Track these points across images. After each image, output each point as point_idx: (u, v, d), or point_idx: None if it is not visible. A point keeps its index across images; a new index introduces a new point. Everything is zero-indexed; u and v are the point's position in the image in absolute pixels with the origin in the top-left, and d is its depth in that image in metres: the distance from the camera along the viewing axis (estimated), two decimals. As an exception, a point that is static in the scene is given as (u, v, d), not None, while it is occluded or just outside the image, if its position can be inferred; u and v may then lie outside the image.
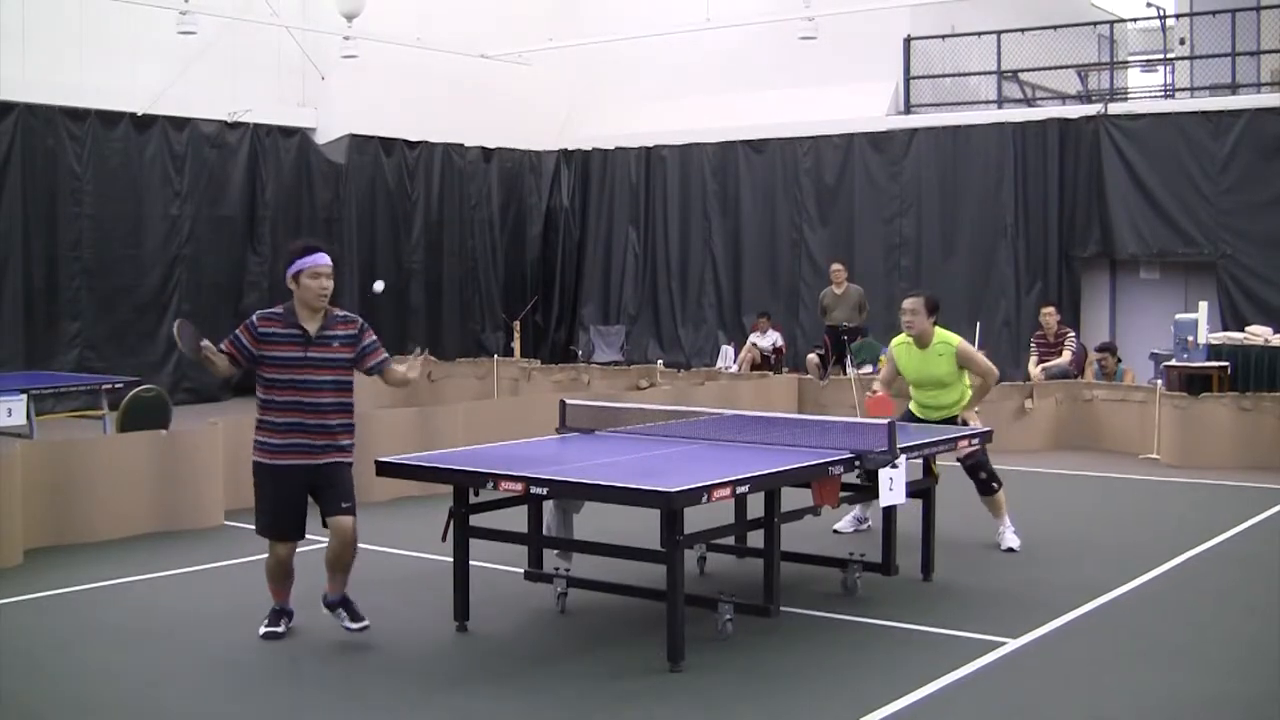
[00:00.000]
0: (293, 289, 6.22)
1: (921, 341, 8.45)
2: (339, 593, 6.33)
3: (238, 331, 6.27)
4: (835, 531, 8.84)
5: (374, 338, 6.37)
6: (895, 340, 8.71)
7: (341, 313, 6.34)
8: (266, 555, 6.36)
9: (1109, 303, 18.28)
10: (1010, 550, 8.42)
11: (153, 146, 17.19)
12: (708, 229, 20.68)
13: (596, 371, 16.57)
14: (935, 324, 8.48)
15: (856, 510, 8.99)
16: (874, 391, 8.62)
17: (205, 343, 6.15)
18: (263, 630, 6.32)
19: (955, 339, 8.52)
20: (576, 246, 21.98)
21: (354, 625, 6.28)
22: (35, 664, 6.09)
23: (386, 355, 6.40)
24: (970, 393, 8.51)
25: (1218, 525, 9.30)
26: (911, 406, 8.71)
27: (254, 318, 6.27)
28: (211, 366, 6.25)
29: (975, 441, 7.93)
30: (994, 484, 8.43)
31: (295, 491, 6.18)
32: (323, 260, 6.20)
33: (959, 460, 8.36)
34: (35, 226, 16.05)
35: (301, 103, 19.23)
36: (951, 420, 8.42)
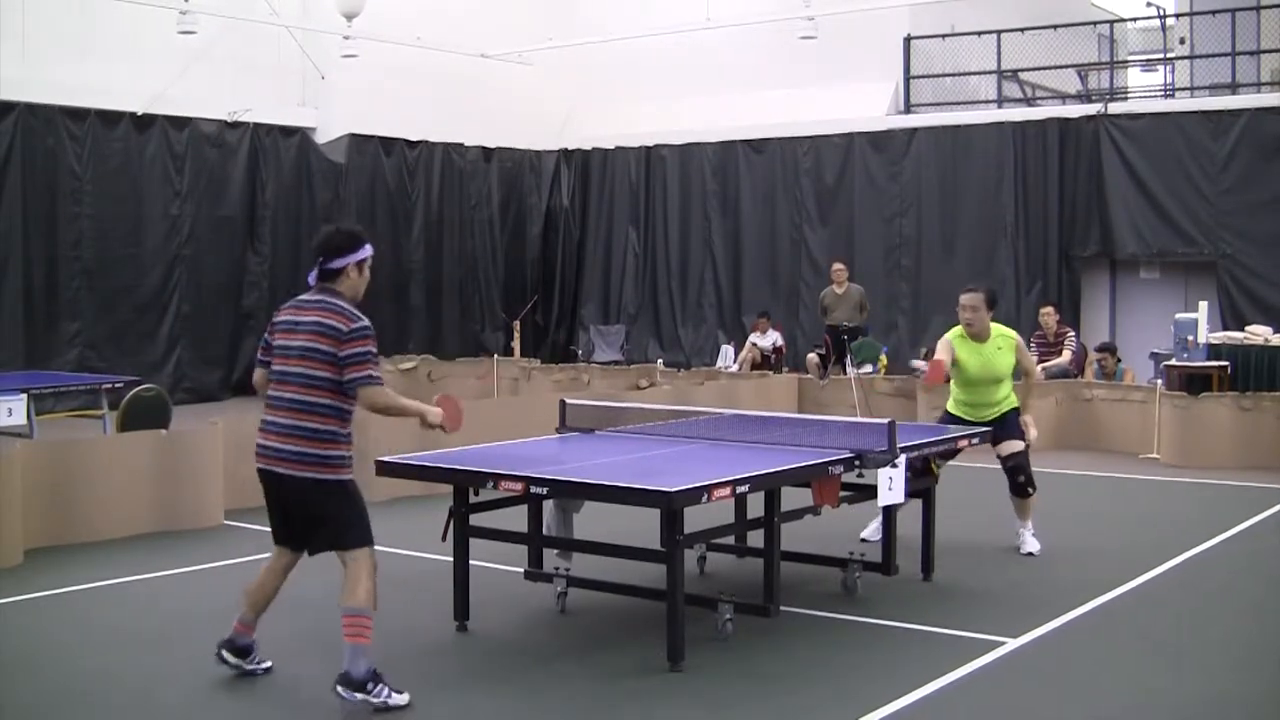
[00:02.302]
0: (353, 277, 5.64)
1: (980, 336, 8.23)
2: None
3: (374, 349, 5.55)
4: (864, 540, 8.41)
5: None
6: (952, 332, 8.37)
7: None
8: (374, 566, 5.57)
9: (1109, 302, 18.28)
10: (1029, 554, 8.29)
11: (153, 146, 17.19)
12: (708, 229, 20.68)
13: (596, 371, 16.59)
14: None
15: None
16: (928, 362, 8.18)
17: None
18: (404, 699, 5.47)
19: (1013, 331, 8.39)
20: (576, 246, 21.98)
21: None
22: (35, 664, 6.09)
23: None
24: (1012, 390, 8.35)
25: (1218, 525, 9.30)
26: (952, 407, 8.43)
27: (365, 321, 5.57)
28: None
29: (975, 440, 7.92)
30: (1030, 488, 8.28)
31: None
32: None
33: (999, 457, 8.28)
34: (35, 226, 16.05)
35: (301, 102, 19.23)
36: (999, 420, 8.20)
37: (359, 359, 5.46)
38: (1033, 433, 8.36)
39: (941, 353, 8.25)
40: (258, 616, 5.85)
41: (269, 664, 5.91)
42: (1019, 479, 8.29)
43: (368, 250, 5.71)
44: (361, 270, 5.68)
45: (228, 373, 17.93)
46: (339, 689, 5.35)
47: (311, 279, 5.67)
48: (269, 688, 5.75)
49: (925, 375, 8.39)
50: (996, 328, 8.34)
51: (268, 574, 5.81)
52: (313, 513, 5.56)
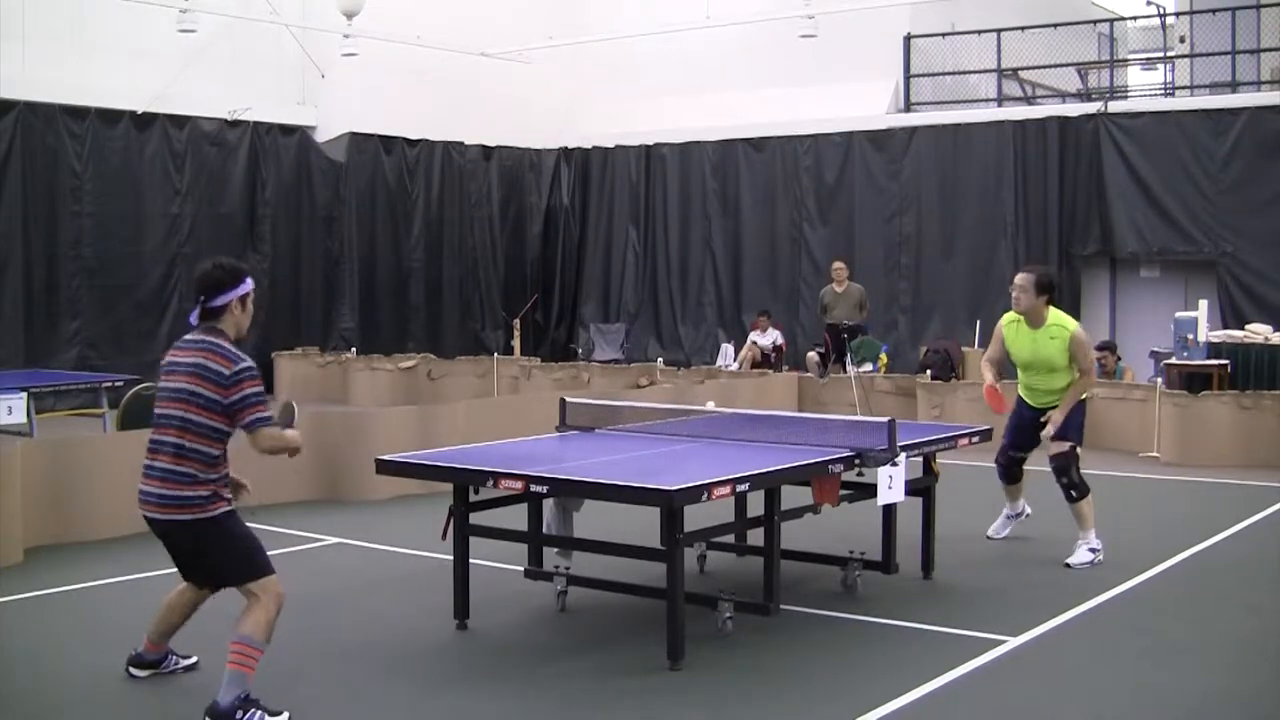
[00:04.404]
0: (236, 313, 5.46)
1: (1033, 321, 8.10)
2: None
3: (260, 389, 5.40)
4: (988, 537, 8.55)
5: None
6: (1006, 317, 8.30)
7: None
8: (277, 600, 5.45)
9: (1109, 301, 18.28)
10: (1067, 566, 7.98)
11: (153, 145, 17.20)
12: (708, 227, 20.68)
13: (596, 369, 16.59)
14: (1049, 304, 8.10)
15: (1006, 508, 8.79)
16: (989, 382, 8.16)
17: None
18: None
19: (1073, 324, 8.13)
20: (576, 245, 21.99)
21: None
22: (35, 664, 6.10)
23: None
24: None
25: (1218, 524, 9.30)
26: (1020, 391, 8.37)
27: (249, 360, 5.41)
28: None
29: (975, 440, 7.90)
30: (1073, 492, 8.09)
31: None
32: None
33: (1049, 456, 8.14)
34: (35, 225, 16.06)
35: (301, 101, 19.23)
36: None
37: (249, 402, 5.28)
38: (1047, 430, 8.10)
39: (986, 372, 8.36)
40: (165, 640, 5.83)
41: (193, 659, 5.88)
42: (1061, 481, 8.11)
43: (248, 285, 5.50)
44: (245, 305, 5.48)
45: (227, 371, 17.90)
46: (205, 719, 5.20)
47: (193, 318, 5.51)
48: (270, 688, 5.73)
49: (985, 396, 8.30)
50: (1056, 315, 8.13)
51: (170, 608, 5.76)
52: (187, 550, 5.50)
